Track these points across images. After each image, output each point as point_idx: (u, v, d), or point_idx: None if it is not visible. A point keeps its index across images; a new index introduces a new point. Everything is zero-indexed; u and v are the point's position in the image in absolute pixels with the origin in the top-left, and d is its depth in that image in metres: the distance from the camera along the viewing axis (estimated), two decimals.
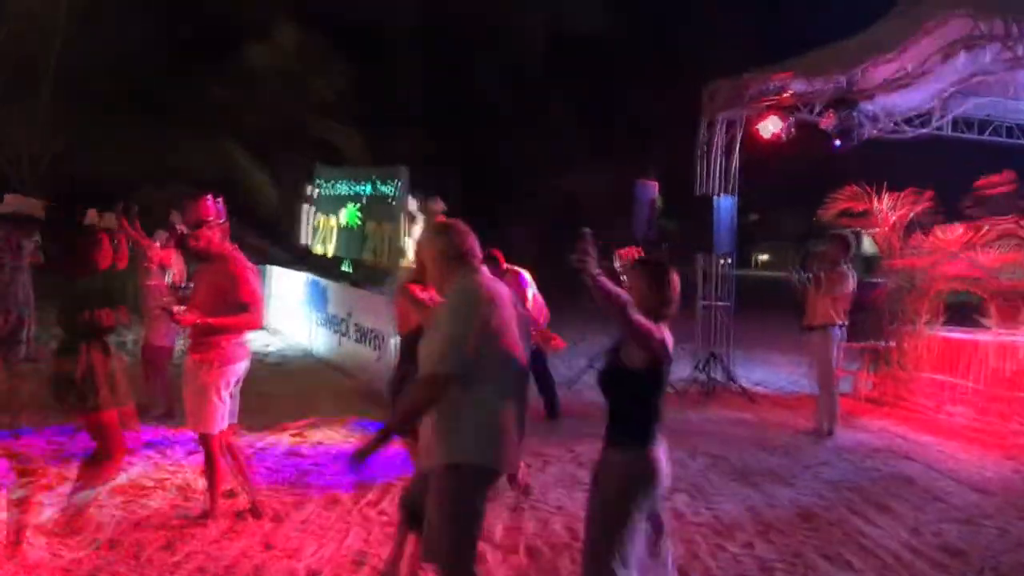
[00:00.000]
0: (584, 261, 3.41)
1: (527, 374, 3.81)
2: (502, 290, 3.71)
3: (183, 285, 5.61)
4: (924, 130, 11.12)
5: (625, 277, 3.92)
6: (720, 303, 11.00)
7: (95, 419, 5.05)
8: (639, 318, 3.58)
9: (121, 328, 5.58)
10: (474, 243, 3.77)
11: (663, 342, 3.59)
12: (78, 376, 4.98)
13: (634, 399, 3.70)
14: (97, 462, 5.12)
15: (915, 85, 8.97)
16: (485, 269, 3.80)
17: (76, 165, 16.14)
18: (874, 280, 10.25)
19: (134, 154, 16.36)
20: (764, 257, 60.06)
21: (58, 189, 15.74)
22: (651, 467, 3.62)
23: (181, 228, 5.82)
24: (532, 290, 8.74)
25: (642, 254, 4.06)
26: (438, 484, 3.53)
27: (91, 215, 7.63)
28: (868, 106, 9.73)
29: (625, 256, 4.01)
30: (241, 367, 5.27)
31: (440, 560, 3.54)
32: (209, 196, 5.37)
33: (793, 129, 10.55)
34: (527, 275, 9.02)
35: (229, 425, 5.28)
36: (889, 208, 9.87)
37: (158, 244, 8.19)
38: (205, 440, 5.21)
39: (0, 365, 9.27)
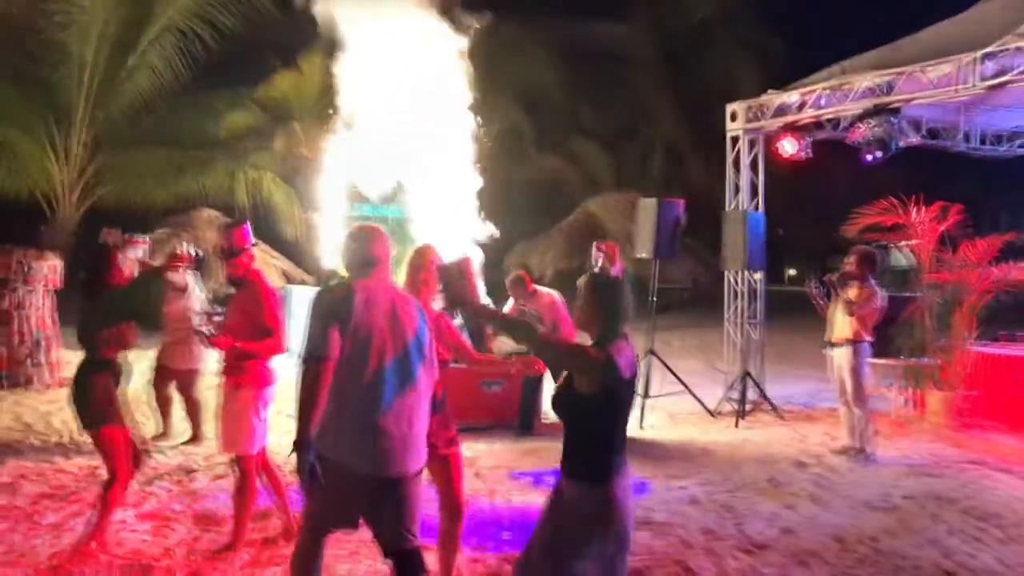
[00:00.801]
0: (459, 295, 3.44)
1: (386, 380, 3.72)
2: (382, 297, 3.79)
3: (216, 311, 5.67)
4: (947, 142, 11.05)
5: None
6: (751, 320, 10.89)
7: (103, 436, 5.11)
8: (557, 338, 3.50)
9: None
10: (378, 249, 3.90)
11: (607, 362, 3.30)
12: (91, 392, 5.05)
13: (589, 427, 3.39)
14: (108, 485, 5.15)
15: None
16: (381, 277, 3.89)
17: (107, 193, 16.35)
18: (907, 295, 10.12)
19: (163, 180, 16.57)
20: (792, 272, 59.71)
21: (90, 217, 15.97)
22: (608, 507, 3.31)
23: (188, 253, 5.94)
24: (555, 315, 8.79)
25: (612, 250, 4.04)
26: None
27: (104, 234, 7.74)
28: (910, 112, 9.65)
29: (606, 249, 3.99)
30: (274, 389, 5.31)
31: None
32: (244, 224, 5.41)
33: (809, 150, 10.50)
34: (559, 296, 8.97)
35: (262, 447, 5.30)
36: (924, 221, 9.76)
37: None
38: (242, 462, 5.21)
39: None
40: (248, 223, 5.45)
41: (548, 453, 7.87)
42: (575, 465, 3.40)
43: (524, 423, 8.91)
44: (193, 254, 6.29)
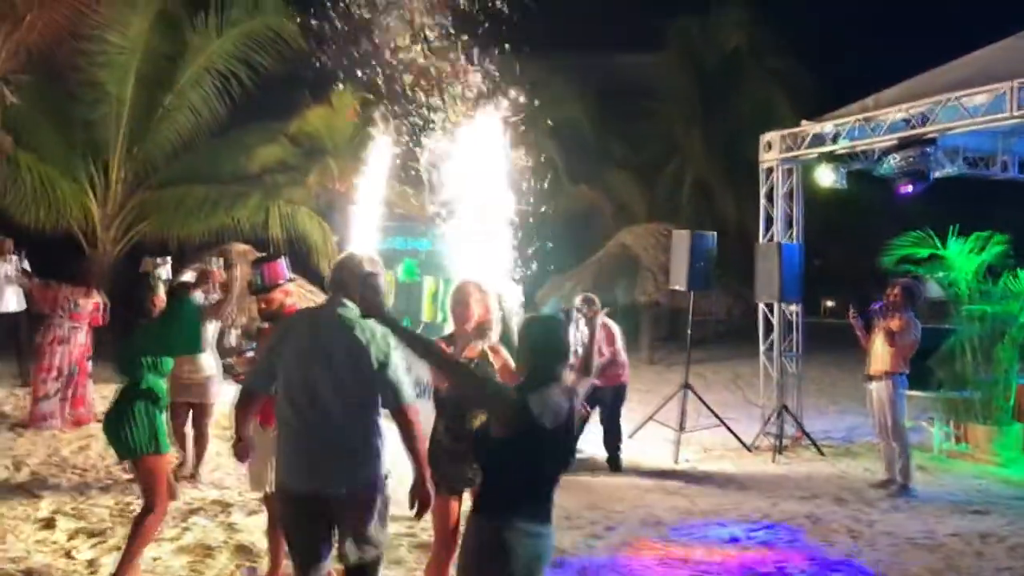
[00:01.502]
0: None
1: (308, 404, 3.79)
2: (309, 322, 3.90)
3: (247, 347, 5.66)
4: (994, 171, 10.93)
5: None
6: (788, 353, 10.75)
7: (144, 464, 5.12)
8: (469, 370, 3.46)
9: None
10: (342, 274, 3.94)
11: (520, 407, 3.20)
12: (131, 421, 5.06)
13: (494, 465, 3.31)
14: (143, 515, 5.13)
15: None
16: (335, 300, 3.93)
17: (144, 229, 16.57)
18: (945, 327, 9.95)
19: (199, 216, 16.76)
20: (830, 303, 59.13)
21: (127, 253, 16.18)
22: (500, 547, 3.21)
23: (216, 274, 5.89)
24: (620, 342, 8.84)
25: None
26: None
27: (146, 263, 7.75)
28: (947, 141, 9.56)
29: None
30: None
31: None
32: (279, 259, 5.34)
33: (844, 181, 10.43)
34: (613, 325, 8.97)
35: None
36: (959, 252, 9.63)
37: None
38: (269, 501, 5.19)
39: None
40: (283, 257, 5.37)
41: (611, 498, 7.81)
42: (480, 498, 3.40)
43: (612, 460, 8.84)
44: (222, 271, 6.19)
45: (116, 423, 5.15)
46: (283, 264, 5.27)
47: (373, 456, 3.83)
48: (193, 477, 7.65)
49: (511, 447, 3.24)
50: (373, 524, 3.80)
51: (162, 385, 5.30)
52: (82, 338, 9.73)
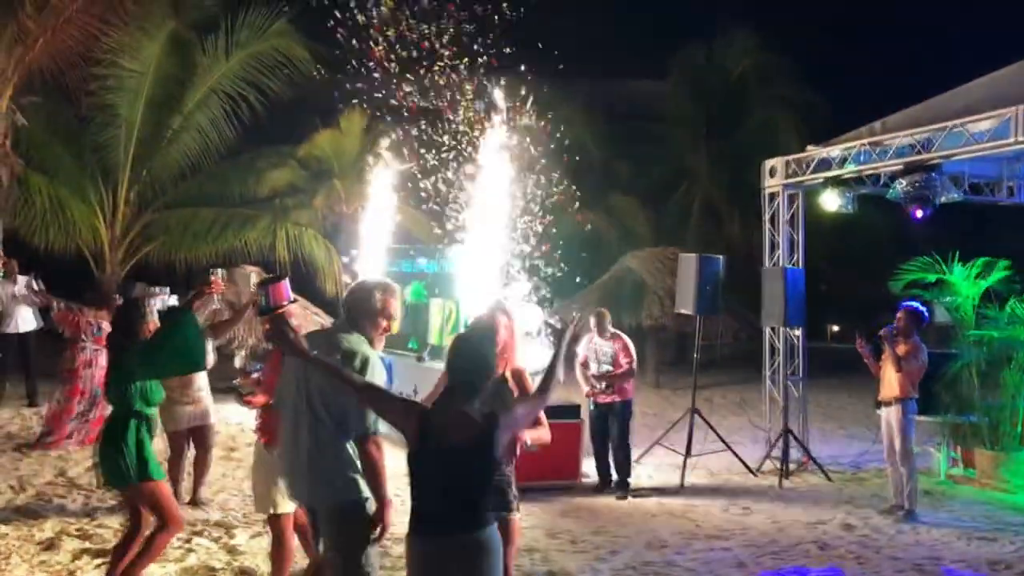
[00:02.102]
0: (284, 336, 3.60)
1: (292, 423, 4.00)
2: (310, 344, 3.85)
3: (252, 367, 5.65)
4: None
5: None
6: (792, 377, 10.73)
7: (144, 490, 5.09)
8: (370, 385, 3.58)
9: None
10: (347, 301, 4.14)
11: (414, 423, 3.37)
12: (126, 448, 5.02)
13: (411, 481, 3.45)
14: (156, 532, 5.13)
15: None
16: (337, 325, 4.26)
17: (152, 251, 16.68)
18: (952, 351, 9.92)
19: (206, 238, 16.87)
20: (836, 328, 58.93)
21: (134, 275, 16.25)
22: (408, 559, 3.44)
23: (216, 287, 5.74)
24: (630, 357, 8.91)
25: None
26: None
27: (139, 288, 7.73)
28: (951, 167, 9.58)
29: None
30: None
31: None
32: (283, 279, 5.34)
33: (850, 206, 10.45)
34: (628, 341, 9.08)
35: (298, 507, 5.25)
36: (964, 278, 9.63)
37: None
38: (276, 521, 5.18)
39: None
40: (287, 278, 5.37)
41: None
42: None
43: (621, 484, 8.83)
44: (223, 279, 5.91)
45: (104, 453, 5.12)
46: (287, 285, 5.27)
47: (347, 478, 3.88)
48: (193, 502, 7.59)
49: (419, 461, 3.38)
50: (351, 542, 3.85)
51: (153, 412, 5.25)
52: (103, 360, 9.81)
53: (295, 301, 5.38)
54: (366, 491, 3.88)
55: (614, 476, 8.89)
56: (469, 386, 3.43)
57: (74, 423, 9.67)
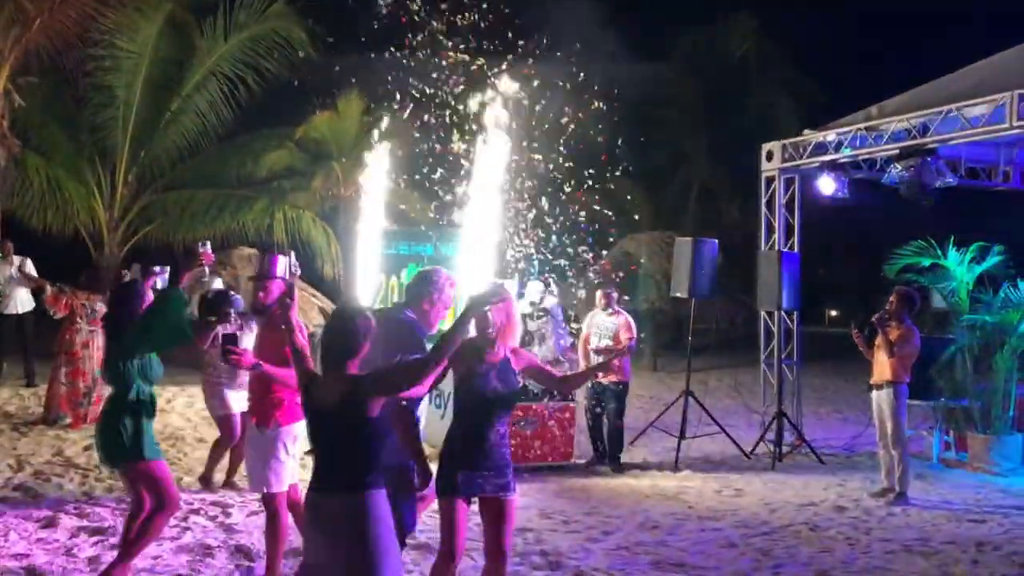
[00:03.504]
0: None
1: None
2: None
3: (250, 324, 5.73)
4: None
5: None
6: (787, 361, 10.79)
7: (140, 469, 5.12)
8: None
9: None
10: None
11: (304, 382, 3.87)
12: (123, 428, 5.04)
13: None
14: (153, 512, 5.15)
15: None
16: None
17: (150, 232, 16.68)
18: (948, 336, 9.97)
19: (204, 219, 16.86)
20: (834, 313, 59.07)
21: (133, 256, 16.26)
22: (306, 511, 3.87)
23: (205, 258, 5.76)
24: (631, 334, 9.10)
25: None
26: None
27: (134, 270, 7.75)
28: (947, 151, 9.60)
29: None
30: (302, 426, 5.30)
31: None
32: (279, 253, 5.49)
33: (847, 190, 10.46)
34: (630, 319, 9.33)
35: (291, 485, 5.31)
36: (959, 262, 9.66)
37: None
38: (271, 500, 5.23)
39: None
40: (281, 255, 5.53)
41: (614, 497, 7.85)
42: None
43: (614, 460, 9.04)
44: (212, 255, 5.85)
45: (103, 432, 5.15)
46: (281, 260, 5.44)
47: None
48: (228, 484, 7.59)
49: (307, 421, 3.89)
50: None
51: (152, 392, 5.26)
52: (99, 342, 9.86)
53: (296, 276, 5.44)
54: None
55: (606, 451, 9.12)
56: (335, 355, 3.76)
57: (84, 405, 9.74)
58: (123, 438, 5.04)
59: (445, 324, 4.81)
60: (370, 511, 3.61)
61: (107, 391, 9.11)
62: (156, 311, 5.18)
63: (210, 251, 5.65)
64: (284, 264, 5.46)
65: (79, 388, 9.79)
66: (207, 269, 6.42)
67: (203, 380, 7.71)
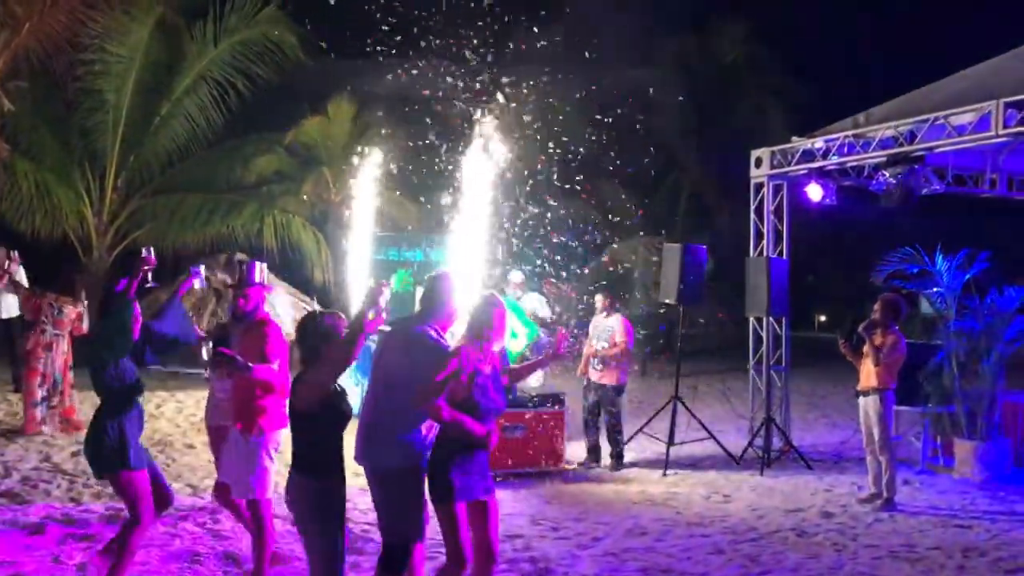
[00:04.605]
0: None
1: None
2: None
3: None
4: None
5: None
6: (775, 367, 10.82)
7: (121, 480, 5.06)
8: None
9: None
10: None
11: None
12: (106, 436, 5.01)
13: None
14: (129, 528, 5.11)
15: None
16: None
17: (139, 237, 16.62)
18: (935, 343, 10.02)
19: (193, 224, 16.82)
20: (823, 318, 59.31)
21: (123, 259, 16.22)
22: None
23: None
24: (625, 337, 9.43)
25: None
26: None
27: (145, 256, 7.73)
28: (934, 159, 9.67)
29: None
30: (285, 433, 5.32)
31: None
32: (256, 261, 5.67)
33: (835, 197, 10.51)
34: (627, 322, 9.61)
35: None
36: (946, 269, 9.71)
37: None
38: (256, 506, 5.23)
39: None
40: (259, 261, 5.73)
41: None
42: None
43: (618, 456, 9.40)
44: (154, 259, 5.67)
45: (89, 441, 5.12)
46: (257, 265, 5.66)
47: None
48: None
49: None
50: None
51: (136, 399, 5.20)
52: (64, 346, 9.79)
53: (267, 287, 5.68)
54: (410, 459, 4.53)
55: (604, 448, 9.49)
56: (308, 354, 4.23)
57: (40, 408, 9.62)
58: (103, 446, 5.01)
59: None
60: (309, 494, 4.17)
61: (76, 399, 9.04)
62: (115, 316, 5.17)
63: (153, 256, 5.61)
64: (260, 269, 5.66)
65: (34, 389, 9.63)
66: (196, 284, 6.44)
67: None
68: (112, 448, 5.00)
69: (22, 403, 9.96)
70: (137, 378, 5.19)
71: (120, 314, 5.15)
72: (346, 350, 4.10)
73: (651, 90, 23.31)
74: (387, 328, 4.92)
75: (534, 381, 9.34)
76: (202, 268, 6.29)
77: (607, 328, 9.42)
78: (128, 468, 5.03)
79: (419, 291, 11.95)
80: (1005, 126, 8.27)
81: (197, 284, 6.14)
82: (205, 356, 6.05)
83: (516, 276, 10.30)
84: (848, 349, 8.32)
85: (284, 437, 5.24)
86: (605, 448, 9.52)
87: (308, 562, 4.26)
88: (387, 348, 4.69)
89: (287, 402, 4.29)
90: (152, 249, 5.72)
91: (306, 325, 4.35)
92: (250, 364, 4.99)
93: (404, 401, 4.44)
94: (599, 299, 9.65)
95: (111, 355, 5.08)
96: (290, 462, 4.25)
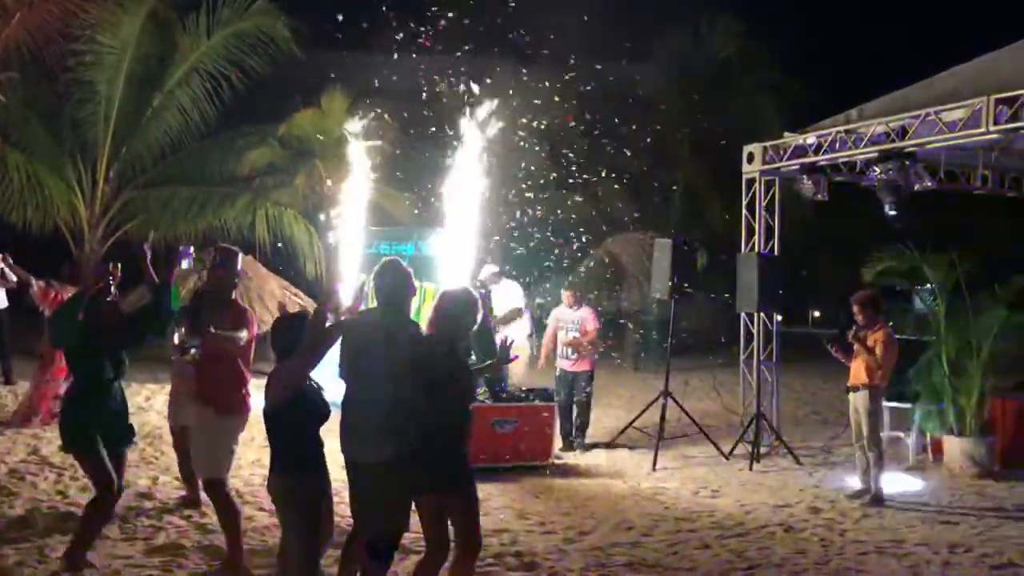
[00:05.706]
0: None
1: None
2: None
3: (190, 344, 5.88)
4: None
5: None
6: (766, 363, 10.82)
7: (79, 460, 5.45)
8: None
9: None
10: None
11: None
12: (69, 416, 5.35)
13: None
14: (91, 505, 5.40)
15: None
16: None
17: (131, 229, 16.55)
18: (926, 338, 10.03)
19: (185, 216, 16.76)
20: (817, 314, 59.46)
21: (113, 253, 16.16)
22: None
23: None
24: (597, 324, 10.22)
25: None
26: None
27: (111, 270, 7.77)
28: (926, 155, 9.68)
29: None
30: (253, 416, 5.52)
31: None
32: (232, 248, 5.82)
33: (826, 193, 10.50)
34: (594, 310, 10.44)
35: None
36: (937, 265, 9.71)
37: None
38: (216, 486, 5.35)
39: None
40: (236, 250, 5.89)
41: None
42: None
43: (581, 436, 10.05)
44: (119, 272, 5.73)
45: (62, 414, 5.55)
46: (229, 254, 5.80)
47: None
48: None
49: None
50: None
51: (98, 382, 5.37)
52: None
53: (241, 276, 5.92)
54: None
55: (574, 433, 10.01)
56: (282, 354, 4.38)
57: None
58: (66, 428, 5.39)
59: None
60: (283, 490, 4.32)
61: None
62: (70, 308, 5.52)
63: (148, 251, 5.81)
64: (232, 259, 5.79)
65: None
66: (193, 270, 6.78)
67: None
68: (66, 429, 5.40)
69: (32, 396, 9.91)
70: (97, 361, 5.34)
71: (74, 308, 5.45)
72: (307, 355, 4.25)
73: (641, 89, 23.33)
74: (359, 320, 4.99)
75: (517, 377, 9.54)
76: (192, 249, 6.46)
77: (577, 319, 9.96)
78: (74, 450, 5.43)
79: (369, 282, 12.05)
80: (996, 122, 8.27)
81: (185, 264, 6.27)
82: (176, 340, 6.15)
83: (491, 268, 10.49)
84: (840, 352, 8.32)
85: (253, 422, 5.37)
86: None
87: (281, 553, 4.39)
88: (371, 342, 4.67)
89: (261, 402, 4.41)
90: (151, 240, 6.01)
91: (280, 325, 4.54)
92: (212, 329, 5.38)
93: (389, 394, 4.43)
94: (566, 295, 10.22)
95: (71, 343, 5.45)
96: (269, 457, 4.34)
